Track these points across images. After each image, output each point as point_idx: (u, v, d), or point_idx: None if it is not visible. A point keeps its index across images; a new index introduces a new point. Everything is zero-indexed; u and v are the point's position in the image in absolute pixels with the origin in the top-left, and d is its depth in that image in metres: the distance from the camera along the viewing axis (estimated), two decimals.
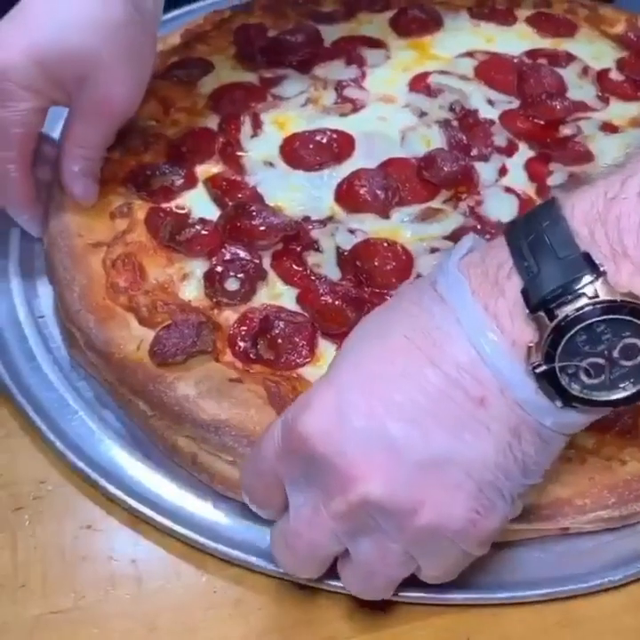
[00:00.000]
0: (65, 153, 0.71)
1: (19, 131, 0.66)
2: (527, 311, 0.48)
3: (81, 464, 0.63)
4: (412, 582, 0.58)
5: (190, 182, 0.75)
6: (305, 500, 0.52)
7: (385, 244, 0.72)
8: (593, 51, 0.91)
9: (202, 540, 0.60)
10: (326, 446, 0.50)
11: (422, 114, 0.82)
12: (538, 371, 0.48)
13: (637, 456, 0.62)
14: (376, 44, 0.88)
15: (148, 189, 0.74)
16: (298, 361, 0.65)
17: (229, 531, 0.60)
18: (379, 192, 0.75)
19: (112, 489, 0.62)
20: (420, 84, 0.85)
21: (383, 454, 0.49)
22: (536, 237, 0.48)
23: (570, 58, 0.90)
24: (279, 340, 0.65)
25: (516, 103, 0.85)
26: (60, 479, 0.63)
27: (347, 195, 0.76)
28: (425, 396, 0.49)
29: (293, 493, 0.53)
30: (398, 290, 0.58)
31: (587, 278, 0.47)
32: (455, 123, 0.82)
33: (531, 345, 0.48)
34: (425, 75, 0.86)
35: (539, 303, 0.48)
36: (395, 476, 0.49)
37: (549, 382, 0.48)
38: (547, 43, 0.92)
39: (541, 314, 0.48)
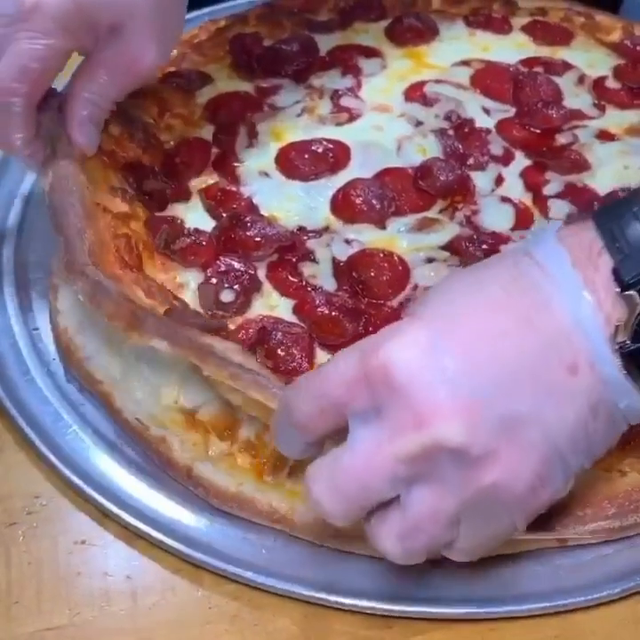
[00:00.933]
0: (75, 97, 0.68)
1: (37, 66, 0.64)
2: (618, 289, 0.49)
3: (75, 479, 0.62)
4: (411, 596, 0.58)
5: (184, 196, 0.75)
6: (368, 435, 0.50)
7: (381, 255, 0.72)
8: (589, 59, 0.91)
9: (197, 554, 0.59)
10: (411, 378, 0.48)
11: (418, 123, 0.82)
12: (625, 350, 0.49)
13: (637, 467, 0.62)
14: (372, 53, 0.88)
15: (143, 192, 0.74)
16: (296, 371, 0.64)
17: (225, 545, 0.60)
18: (374, 202, 0.75)
19: (107, 504, 0.61)
20: (415, 93, 0.84)
21: (468, 401, 0.48)
22: (627, 220, 0.50)
23: (566, 66, 0.90)
24: (277, 351, 0.65)
25: (511, 112, 0.85)
26: (54, 494, 0.63)
27: (342, 205, 0.75)
28: (521, 353, 0.49)
29: (357, 426, 0.50)
30: (480, 263, 0.56)
31: None
32: (451, 132, 0.81)
33: (619, 323, 0.49)
34: (421, 84, 0.85)
35: (630, 282, 0.49)
36: (475, 425, 0.48)
37: (634, 363, 0.49)
38: (543, 51, 0.92)
39: (632, 293, 0.49)
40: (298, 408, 0.52)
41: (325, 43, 0.88)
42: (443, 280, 0.54)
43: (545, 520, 0.57)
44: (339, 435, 0.52)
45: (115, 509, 0.61)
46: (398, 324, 0.51)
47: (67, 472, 0.62)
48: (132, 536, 0.61)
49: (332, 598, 0.58)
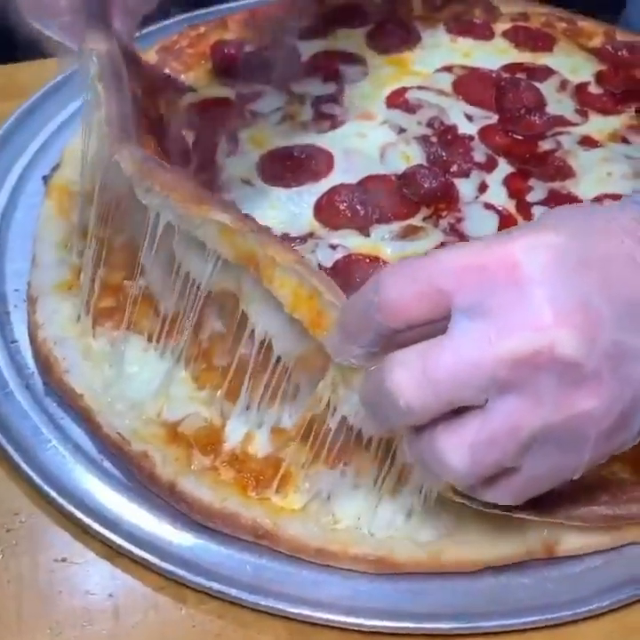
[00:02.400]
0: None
1: None
2: None
3: (55, 495, 0.61)
4: (399, 612, 0.57)
5: None
6: (474, 330, 0.47)
7: (367, 260, 0.71)
8: (571, 64, 0.91)
9: (180, 572, 0.58)
10: (539, 278, 0.47)
11: (401, 130, 0.81)
12: None
13: (626, 468, 0.61)
14: (354, 59, 0.87)
15: None
16: None
17: (209, 562, 0.59)
18: (359, 207, 0.75)
19: (88, 520, 0.60)
20: (398, 99, 0.84)
21: (591, 316, 0.47)
22: None
23: (548, 72, 0.90)
24: None
25: (494, 118, 0.84)
26: (34, 510, 0.61)
27: (326, 210, 0.75)
28: None
29: (461, 319, 0.47)
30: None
31: None
32: (434, 139, 0.81)
33: None
34: (403, 90, 0.85)
35: None
36: (593, 343, 0.47)
37: None
38: (525, 57, 0.91)
39: None
40: (393, 289, 0.48)
41: (307, 49, 0.88)
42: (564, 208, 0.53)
43: (537, 501, 0.56)
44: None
45: (96, 526, 0.60)
46: (529, 227, 0.50)
47: (47, 488, 0.61)
48: (113, 553, 0.60)
49: (318, 615, 0.57)
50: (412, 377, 0.48)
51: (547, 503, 0.57)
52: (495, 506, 0.55)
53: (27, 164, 0.81)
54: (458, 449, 0.49)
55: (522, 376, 0.47)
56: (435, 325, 0.49)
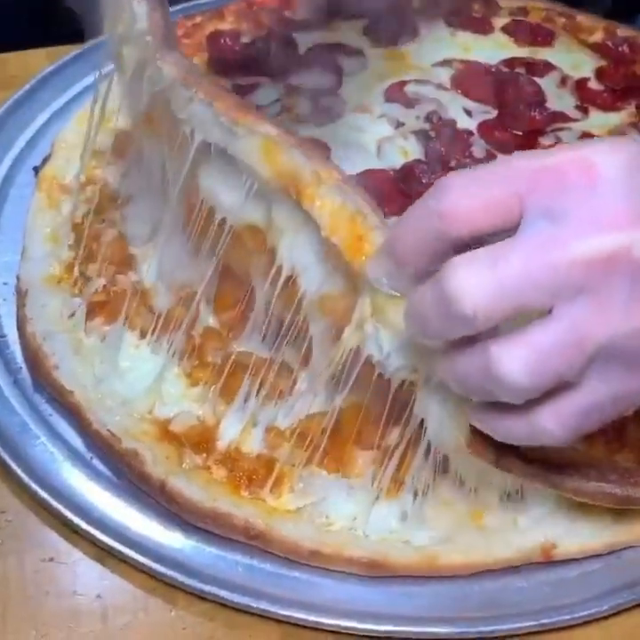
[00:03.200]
0: None
1: None
2: None
3: (43, 493, 0.59)
4: (395, 616, 0.56)
5: None
6: (547, 231, 0.45)
7: None
8: (571, 60, 0.90)
9: (171, 573, 0.57)
10: (617, 178, 0.45)
11: (399, 124, 0.80)
12: None
13: (630, 458, 0.61)
14: (352, 52, 0.86)
15: None
16: None
17: (200, 563, 0.57)
18: None
19: (76, 520, 0.58)
20: (396, 93, 0.83)
21: None
22: None
23: (548, 67, 0.89)
24: None
25: (493, 113, 0.83)
26: (21, 509, 0.60)
27: None
28: None
29: (533, 220, 0.46)
30: None
31: None
32: (432, 133, 0.80)
33: None
34: (401, 84, 0.84)
35: None
36: None
37: None
38: (524, 52, 0.90)
39: None
40: (459, 193, 0.46)
41: (305, 40, 0.86)
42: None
43: (548, 470, 0.55)
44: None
45: (84, 525, 0.58)
46: (601, 139, 0.48)
47: (34, 486, 0.60)
48: (102, 553, 0.58)
49: (312, 618, 0.55)
50: (480, 277, 0.45)
51: (557, 473, 0.55)
52: (510, 466, 0.53)
53: (17, 155, 0.79)
54: (517, 357, 0.46)
55: (594, 280, 0.45)
56: (499, 237, 0.46)
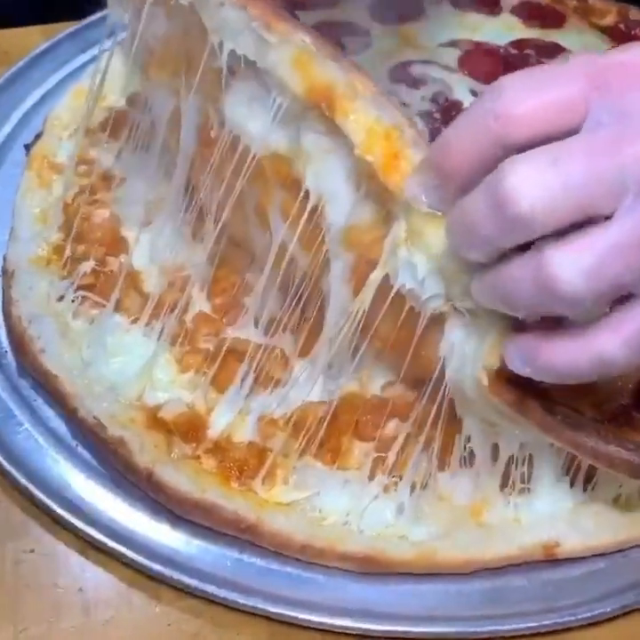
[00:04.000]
0: None
1: None
2: None
3: (25, 481, 0.57)
4: (389, 615, 0.54)
5: None
6: (611, 128, 0.43)
7: None
8: (582, 42, 0.87)
9: (156, 566, 0.55)
10: None
11: (404, 105, 0.77)
12: None
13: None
14: (357, 30, 0.83)
15: None
16: None
17: (187, 557, 0.55)
18: None
19: (59, 510, 0.56)
20: (401, 73, 0.80)
21: None
22: None
23: (558, 49, 0.86)
24: None
25: None
26: (1, 498, 0.58)
27: None
28: None
29: (600, 117, 0.43)
30: None
31: None
32: (437, 115, 0.77)
33: None
34: (407, 64, 0.81)
35: None
36: None
37: None
38: (534, 33, 0.87)
39: None
40: (519, 92, 0.43)
41: (308, 19, 0.83)
42: None
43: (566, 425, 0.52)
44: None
45: (67, 516, 0.56)
46: None
47: (16, 474, 0.57)
48: (85, 545, 0.56)
49: (303, 616, 0.53)
50: (540, 175, 0.42)
51: (576, 430, 0.52)
52: (530, 412, 0.51)
53: (8, 133, 0.76)
54: (574, 261, 0.43)
55: None
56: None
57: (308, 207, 0.55)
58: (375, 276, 0.53)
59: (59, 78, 0.81)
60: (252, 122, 0.56)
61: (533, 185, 0.43)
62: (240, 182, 0.57)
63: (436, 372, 0.54)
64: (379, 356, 0.61)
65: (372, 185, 0.52)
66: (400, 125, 0.51)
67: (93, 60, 0.78)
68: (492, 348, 0.50)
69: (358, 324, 0.54)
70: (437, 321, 0.53)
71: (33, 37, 0.85)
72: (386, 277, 0.53)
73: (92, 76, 0.67)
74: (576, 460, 0.57)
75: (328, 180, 0.54)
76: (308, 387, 0.61)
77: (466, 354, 0.52)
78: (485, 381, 0.51)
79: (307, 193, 0.54)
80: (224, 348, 0.62)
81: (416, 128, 0.51)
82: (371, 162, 0.51)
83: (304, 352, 0.62)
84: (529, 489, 0.58)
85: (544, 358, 0.47)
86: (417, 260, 0.51)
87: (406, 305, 0.53)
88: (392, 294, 0.52)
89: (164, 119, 0.65)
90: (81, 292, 0.65)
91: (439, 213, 0.49)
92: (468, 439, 0.56)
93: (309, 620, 0.53)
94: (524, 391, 0.51)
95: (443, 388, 0.55)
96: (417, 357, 0.55)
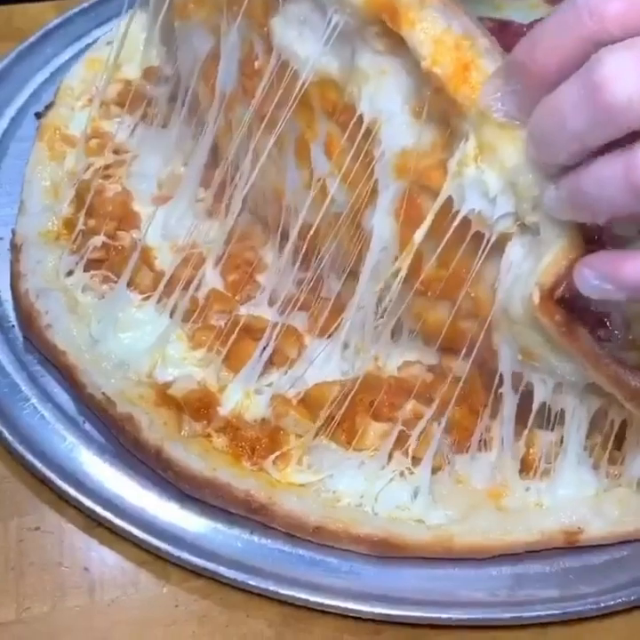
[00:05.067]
0: None
1: None
2: None
3: (31, 457, 0.56)
4: (404, 599, 0.52)
5: None
6: None
7: None
8: None
9: (164, 546, 0.53)
10: None
11: None
12: None
13: None
14: None
15: None
16: None
17: (196, 537, 0.54)
18: None
19: (65, 486, 0.55)
20: None
21: None
22: None
23: None
24: None
25: None
26: (6, 474, 0.56)
27: None
28: None
29: None
30: None
31: None
32: None
33: None
34: None
35: None
36: None
37: None
38: None
39: None
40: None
41: None
42: None
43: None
44: None
45: (73, 493, 0.55)
46: None
47: (21, 450, 0.56)
48: (91, 524, 0.54)
49: (314, 599, 0.51)
50: (638, 63, 0.40)
51: (623, 367, 0.51)
52: (576, 337, 0.49)
53: (19, 107, 0.75)
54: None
55: None
56: None
57: (360, 134, 0.52)
58: (439, 200, 0.50)
59: (71, 53, 0.79)
60: (303, 45, 0.54)
61: (632, 74, 0.41)
62: (285, 115, 0.55)
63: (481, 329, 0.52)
64: (413, 322, 0.58)
65: (435, 103, 0.50)
66: (471, 35, 0.48)
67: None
68: (548, 265, 0.48)
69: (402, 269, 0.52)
70: (496, 247, 0.50)
71: (46, 14, 0.84)
72: (445, 206, 0.50)
73: (111, 45, 0.66)
74: (599, 440, 0.55)
75: (385, 102, 0.52)
76: (323, 365, 0.59)
77: (520, 273, 0.50)
78: (537, 299, 0.48)
79: (359, 118, 0.52)
80: (238, 326, 0.60)
81: (488, 37, 0.49)
82: (439, 74, 0.48)
83: (322, 331, 0.61)
84: (551, 472, 0.56)
85: (628, 270, 0.45)
86: (488, 177, 0.48)
87: (469, 232, 0.50)
88: (456, 221, 0.50)
89: (197, 66, 0.63)
90: (91, 271, 0.64)
91: (515, 123, 0.47)
92: (500, 381, 0.54)
93: (322, 604, 0.52)
94: (574, 314, 0.49)
95: (471, 360, 0.53)
96: (466, 299, 0.53)
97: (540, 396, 0.54)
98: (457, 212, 0.50)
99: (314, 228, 0.57)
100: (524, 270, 0.50)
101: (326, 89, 0.54)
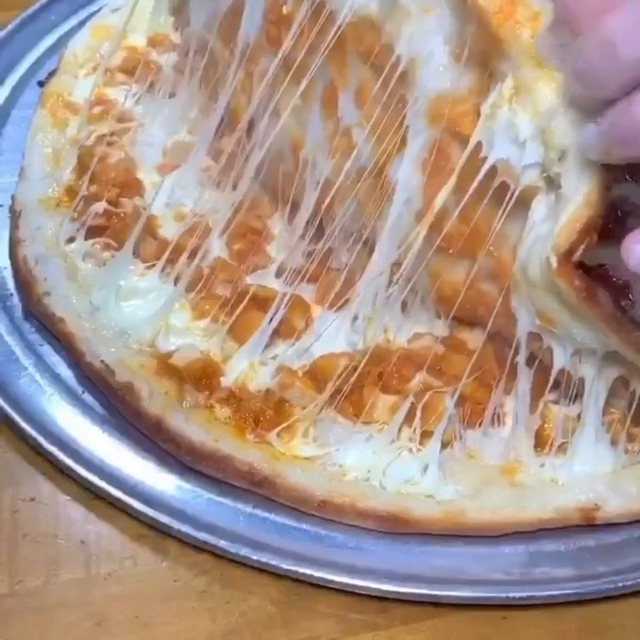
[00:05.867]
0: None
1: None
2: None
3: (26, 426, 0.54)
4: (411, 576, 0.50)
5: None
6: None
7: None
8: None
9: (163, 519, 0.51)
10: None
11: None
12: None
13: None
14: None
15: None
16: None
17: (196, 510, 0.52)
18: None
19: (61, 457, 0.53)
20: None
21: None
22: None
23: None
24: None
25: None
26: (1, 444, 0.55)
27: None
28: None
29: None
30: None
31: None
32: None
33: None
34: None
35: None
36: None
37: None
38: None
39: None
40: None
41: None
42: None
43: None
44: None
45: (70, 463, 0.53)
46: None
47: (17, 418, 0.54)
48: (88, 495, 0.53)
49: (318, 574, 0.49)
50: None
51: None
52: (596, 301, 0.48)
53: (22, 74, 0.73)
54: None
55: None
56: None
57: (394, 77, 0.51)
58: (470, 144, 0.49)
59: (75, 22, 0.78)
60: None
61: None
62: (317, 61, 0.54)
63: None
64: (430, 283, 0.56)
65: (476, 44, 0.48)
66: None
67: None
68: (564, 227, 0.47)
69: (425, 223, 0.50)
70: (521, 205, 0.49)
71: None
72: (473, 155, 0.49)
73: (116, 12, 0.64)
74: (617, 416, 0.53)
75: (424, 42, 0.50)
76: (331, 337, 0.57)
77: (540, 233, 0.48)
78: (554, 263, 0.47)
79: (395, 60, 0.51)
80: (244, 296, 0.58)
81: None
82: (484, 8, 0.47)
83: (331, 303, 0.59)
84: (567, 447, 0.54)
85: None
86: (520, 119, 0.47)
87: (494, 184, 0.49)
88: (484, 168, 0.49)
89: (217, 21, 0.61)
90: (93, 238, 0.62)
91: (555, 65, 0.46)
92: (516, 351, 0.52)
93: (325, 579, 0.50)
94: (593, 279, 0.48)
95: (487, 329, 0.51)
96: (487, 259, 0.52)
97: (559, 363, 0.52)
98: (485, 159, 0.49)
99: (335, 187, 0.55)
100: (544, 231, 0.48)
101: (363, 30, 0.53)
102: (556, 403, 0.55)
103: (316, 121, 0.57)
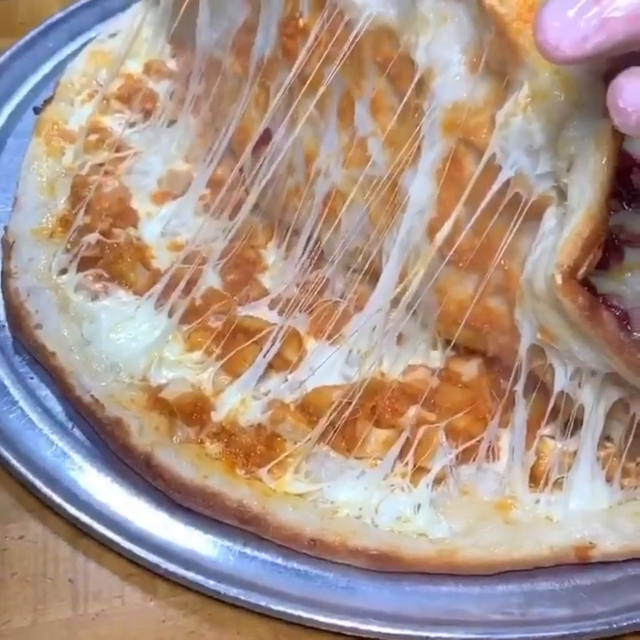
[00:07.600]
0: None
1: None
2: None
3: (16, 463, 0.54)
4: (404, 617, 0.49)
5: None
6: None
7: None
8: None
9: (152, 558, 0.51)
10: None
11: None
12: None
13: None
14: None
15: None
16: None
17: (186, 549, 0.51)
18: None
19: (50, 494, 0.53)
20: None
21: None
22: None
23: None
24: None
25: None
26: None
27: None
28: None
29: None
30: None
31: None
32: None
33: None
34: None
35: None
36: None
37: None
38: None
39: None
40: None
41: None
42: None
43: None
44: None
45: (59, 501, 0.52)
46: None
47: (6, 454, 0.54)
48: (77, 533, 0.52)
49: (308, 615, 0.49)
50: None
51: None
52: (599, 320, 0.47)
53: (19, 103, 0.74)
54: None
55: None
56: None
57: (411, 87, 0.51)
58: (486, 155, 0.49)
59: (73, 48, 0.78)
60: None
61: None
62: (333, 70, 0.54)
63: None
64: (436, 300, 0.56)
65: (493, 53, 0.48)
66: None
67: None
68: (567, 242, 0.46)
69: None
70: (532, 217, 0.49)
71: (49, 8, 0.82)
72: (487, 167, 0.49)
73: (113, 37, 0.64)
74: (613, 451, 0.53)
75: (442, 51, 0.50)
76: (325, 370, 0.57)
77: (547, 246, 0.48)
78: (559, 279, 0.46)
79: (412, 70, 0.51)
80: (239, 329, 0.58)
81: None
82: (502, 14, 0.47)
83: (328, 335, 0.58)
84: (562, 484, 0.53)
85: None
86: (534, 127, 0.47)
87: (507, 196, 0.49)
88: (498, 178, 0.49)
89: (230, 38, 0.61)
90: (85, 270, 0.62)
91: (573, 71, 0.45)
92: (518, 372, 0.52)
93: (316, 621, 0.49)
94: (597, 298, 0.47)
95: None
96: (497, 272, 0.51)
97: (559, 383, 0.51)
98: (499, 169, 0.48)
99: (345, 199, 0.55)
100: (550, 243, 0.48)
101: (381, 39, 0.53)
102: (552, 437, 0.55)
103: (332, 131, 0.57)
